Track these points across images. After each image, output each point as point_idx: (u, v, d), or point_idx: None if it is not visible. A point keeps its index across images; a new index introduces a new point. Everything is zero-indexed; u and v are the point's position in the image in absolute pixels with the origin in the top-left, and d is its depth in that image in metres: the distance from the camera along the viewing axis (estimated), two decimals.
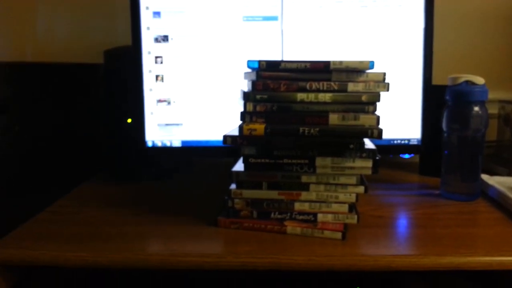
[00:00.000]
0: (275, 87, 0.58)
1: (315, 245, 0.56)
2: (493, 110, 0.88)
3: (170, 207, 0.70)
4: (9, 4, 1.01)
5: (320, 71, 0.58)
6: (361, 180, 0.59)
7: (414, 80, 0.77)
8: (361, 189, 0.59)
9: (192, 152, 0.80)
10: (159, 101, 0.78)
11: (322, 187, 0.59)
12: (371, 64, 0.56)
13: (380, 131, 0.56)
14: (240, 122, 0.59)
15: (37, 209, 0.69)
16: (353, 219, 0.59)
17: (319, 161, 0.58)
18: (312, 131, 0.57)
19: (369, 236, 0.58)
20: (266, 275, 0.57)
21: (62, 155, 0.82)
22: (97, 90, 0.92)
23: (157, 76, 0.78)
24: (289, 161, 0.59)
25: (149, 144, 0.80)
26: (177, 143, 0.79)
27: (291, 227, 0.59)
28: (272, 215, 0.61)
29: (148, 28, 0.77)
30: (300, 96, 0.58)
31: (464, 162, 0.71)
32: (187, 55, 0.77)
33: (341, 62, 0.57)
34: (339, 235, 0.57)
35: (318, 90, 0.58)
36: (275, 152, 0.59)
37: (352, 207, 0.59)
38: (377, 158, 0.57)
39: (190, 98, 0.78)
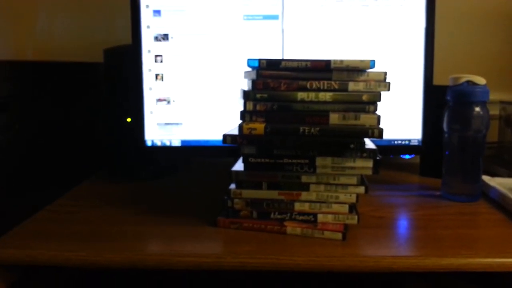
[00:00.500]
0: (276, 86, 0.58)
1: (315, 245, 0.56)
2: (494, 111, 0.88)
3: (170, 207, 0.70)
4: (10, 3, 1.01)
5: (320, 70, 0.57)
6: (362, 180, 0.58)
7: (414, 80, 0.77)
8: (361, 189, 0.58)
9: (192, 152, 0.80)
10: (159, 100, 0.78)
11: (322, 187, 0.59)
12: (372, 63, 0.56)
13: (380, 131, 0.56)
14: (240, 121, 0.59)
15: (37, 208, 0.68)
16: (353, 220, 0.59)
17: (319, 161, 0.58)
18: (312, 130, 0.57)
19: (369, 237, 0.58)
20: (266, 276, 0.57)
21: (62, 154, 0.81)
22: (97, 89, 0.92)
23: (156, 75, 0.78)
24: (289, 161, 0.59)
25: (149, 143, 0.79)
26: (176, 143, 0.79)
27: (291, 228, 0.59)
28: (272, 215, 0.60)
29: (148, 27, 0.77)
30: (301, 95, 0.57)
31: (465, 163, 0.71)
32: (187, 54, 0.77)
33: (341, 61, 0.56)
34: (339, 235, 0.57)
35: (319, 89, 0.57)
36: (275, 151, 0.58)
37: (352, 208, 0.59)
38: (378, 158, 0.57)
39: (190, 98, 0.78)
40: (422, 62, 0.76)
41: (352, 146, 0.56)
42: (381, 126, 0.56)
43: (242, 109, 0.59)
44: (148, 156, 0.82)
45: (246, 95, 0.58)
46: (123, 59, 0.82)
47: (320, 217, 0.59)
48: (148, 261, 0.53)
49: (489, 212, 0.67)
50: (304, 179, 0.59)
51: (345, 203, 0.59)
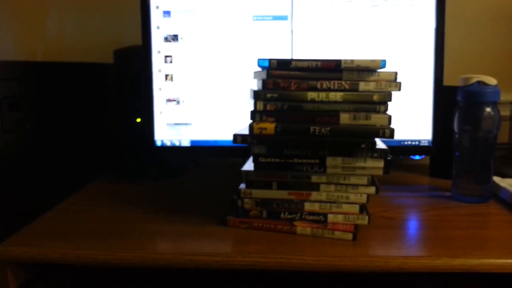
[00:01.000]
0: (286, 86, 0.58)
1: (325, 245, 0.55)
2: (505, 112, 0.87)
3: (180, 206, 0.70)
4: (20, 4, 1.02)
5: (331, 70, 0.57)
6: (372, 181, 0.58)
7: (425, 80, 0.77)
8: (372, 189, 0.58)
9: (201, 152, 0.80)
10: (169, 100, 0.78)
11: (332, 187, 0.59)
12: (383, 63, 0.56)
13: (392, 131, 0.56)
14: (250, 121, 0.59)
15: (47, 207, 0.69)
16: (364, 220, 0.58)
17: (329, 161, 0.58)
18: (322, 130, 0.57)
19: (380, 237, 0.58)
20: (274, 277, 0.57)
21: (72, 154, 0.82)
22: (107, 90, 0.93)
23: (166, 76, 0.78)
24: (299, 160, 0.59)
25: (158, 143, 0.80)
26: (186, 143, 0.79)
27: (301, 228, 0.59)
28: (282, 215, 0.60)
29: (158, 28, 0.77)
30: (311, 95, 0.57)
31: (476, 164, 0.70)
32: (197, 55, 0.77)
33: (352, 61, 0.56)
34: (349, 235, 0.57)
35: (329, 89, 0.57)
36: (285, 151, 0.58)
37: (363, 208, 0.59)
38: (389, 158, 0.57)
39: (199, 98, 0.78)
40: (432, 62, 0.76)
41: (363, 146, 0.56)
42: (391, 126, 0.56)
43: (252, 109, 0.59)
44: (157, 156, 0.83)
45: (257, 95, 0.59)
46: (133, 60, 0.82)
47: (330, 217, 0.59)
48: (158, 259, 0.54)
49: (500, 213, 0.67)
50: (314, 179, 0.59)
51: (355, 203, 0.59)
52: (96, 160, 0.91)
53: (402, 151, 0.79)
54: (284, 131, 0.57)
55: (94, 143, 0.91)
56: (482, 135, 0.69)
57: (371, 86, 0.57)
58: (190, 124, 0.79)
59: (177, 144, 0.80)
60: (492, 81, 0.68)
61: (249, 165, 0.61)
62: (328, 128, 0.57)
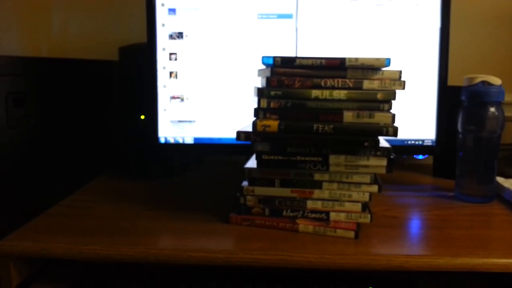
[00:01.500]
0: (290, 84, 0.58)
1: (327, 243, 0.55)
2: (509, 112, 0.87)
3: (182, 203, 0.70)
4: (25, 2, 1.03)
5: (335, 68, 0.57)
6: (375, 179, 0.58)
7: (429, 80, 0.76)
8: (375, 188, 0.58)
9: (204, 149, 0.80)
10: (173, 97, 0.79)
11: (335, 185, 0.59)
12: (387, 62, 0.56)
13: (395, 129, 0.56)
14: (254, 118, 0.59)
15: (51, 203, 0.69)
16: (366, 219, 0.58)
17: (332, 159, 0.58)
18: (326, 128, 0.57)
19: (382, 235, 0.58)
20: (276, 274, 0.57)
21: (76, 150, 0.82)
22: (111, 87, 0.93)
23: (171, 73, 0.78)
24: (302, 158, 0.59)
25: (162, 140, 0.80)
26: (189, 140, 0.80)
27: (303, 225, 0.59)
28: (284, 212, 0.60)
29: (163, 25, 0.77)
30: (315, 93, 0.57)
31: (479, 164, 0.70)
32: (202, 52, 0.77)
33: (356, 59, 0.56)
34: (352, 234, 0.57)
35: (333, 87, 0.57)
36: (288, 149, 0.59)
37: (365, 206, 0.59)
38: (392, 157, 0.57)
39: (203, 95, 0.78)
40: (436, 62, 0.76)
41: (366, 144, 0.56)
42: (395, 124, 0.56)
43: (256, 106, 0.59)
44: (161, 153, 0.83)
45: (260, 92, 0.59)
46: (137, 57, 0.82)
47: (332, 215, 0.59)
48: (160, 255, 0.54)
49: (503, 213, 0.66)
50: (317, 177, 0.59)
51: (358, 201, 0.59)
52: (99, 157, 0.91)
53: (406, 151, 0.79)
54: (287, 129, 0.58)
55: (98, 140, 0.91)
56: (486, 135, 0.69)
57: (375, 84, 0.57)
58: (194, 121, 0.79)
59: (180, 141, 0.80)
60: (496, 81, 0.68)
61: (252, 163, 0.61)
62: (332, 126, 0.57)
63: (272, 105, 0.58)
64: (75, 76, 0.82)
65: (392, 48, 0.76)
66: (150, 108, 0.79)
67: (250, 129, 0.59)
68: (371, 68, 0.57)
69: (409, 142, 0.78)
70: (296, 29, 0.76)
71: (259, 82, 0.62)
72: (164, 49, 0.78)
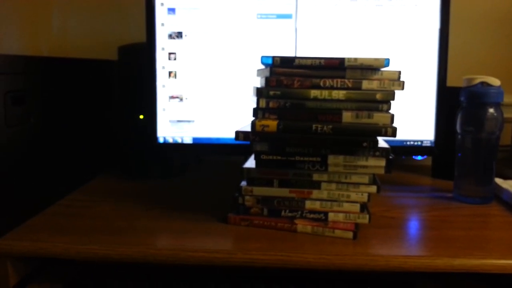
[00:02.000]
0: (289, 84, 0.58)
1: (325, 243, 0.55)
2: (508, 114, 0.87)
3: (181, 203, 0.70)
4: (25, 1, 1.03)
5: (334, 68, 0.57)
6: (374, 180, 0.58)
7: (428, 81, 0.76)
8: (373, 188, 0.58)
9: (203, 149, 0.80)
10: (172, 97, 0.79)
11: (333, 185, 0.59)
12: (386, 62, 0.56)
13: (394, 130, 0.56)
14: (253, 118, 0.59)
15: (49, 202, 0.69)
16: (364, 219, 0.58)
17: (331, 159, 0.58)
18: (325, 128, 0.57)
19: (381, 236, 0.58)
20: (274, 274, 0.57)
21: (75, 149, 0.82)
22: (111, 86, 0.93)
23: (170, 73, 0.78)
24: (301, 158, 0.59)
25: (161, 140, 0.80)
26: (188, 140, 0.80)
27: (302, 226, 0.59)
28: (283, 213, 0.60)
29: (162, 25, 0.77)
30: (314, 93, 0.57)
31: (478, 165, 0.70)
32: (201, 52, 0.77)
33: (355, 59, 0.56)
34: (350, 234, 0.57)
35: (332, 87, 0.57)
36: (287, 149, 0.58)
37: (363, 207, 0.59)
38: (391, 157, 0.57)
39: (203, 95, 0.78)
40: (436, 63, 0.76)
41: (365, 144, 0.56)
42: (394, 125, 0.56)
43: (255, 106, 0.59)
44: (160, 153, 0.83)
45: (259, 92, 0.59)
46: (137, 57, 0.82)
47: (331, 215, 0.59)
48: (158, 255, 0.54)
49: (501, 214, 0.66)
50: (316, 177, 0.59)
51: (356, 202, 0.59)
52: (99, 156, 0.91)
53: (405, 151, 0.79)
54: (286, 129, 0.58)
55: (97, 139, 0.91)
56: (484, 136, 0.69)
57: (374, 84, 0.57)
58: (193, 121, 0.79)
59: (179, 141, 0.80)
60: (495, 82, 0.68)
61: (250, 163, 0.61)
62: (331, 126, 0.57)
63: (271, 105, 0.58)
64: (74, 75, 0.82)
65: (391, 49, 0.76)
66: (149, 107, 0.79)
67: (249, 129, 0.59)
68: (370, 68, 0.57)
69: (408, 142, 0.78)
70: (296, 29, 0.76)
71: (258, 82, 0.62)
72: (163, 48, 0.78)
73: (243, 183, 0.61)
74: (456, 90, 0.71)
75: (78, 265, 0.61)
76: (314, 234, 0.58)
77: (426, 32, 0.76)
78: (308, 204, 0.60)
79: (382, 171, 0.58)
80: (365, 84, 0.57)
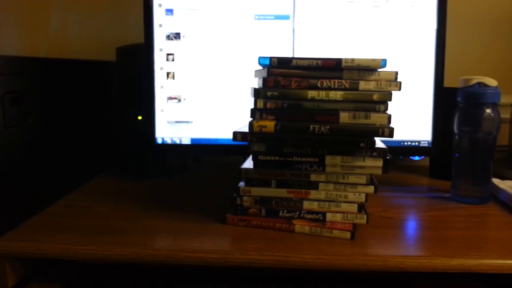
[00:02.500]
0: (286, 84, 0.58)
1: (323, 244, 0.56)
2: (505, 114, 0.87)
3: (179, 204, 0.70)
4: (23, 2, 1.03)
5: (331, 68, 0.58)
6: (371, 180, 0.58)
7: (425, 81, 0.77)
8: (371, 189, 0.58)
9: (201, 150, 0.80)
10: (170, 98, 0.79)
11: (331, 186, 0.59)
12: (383, 63, 0.56)
13: (391, 130, 0.56)
14: (251, 119, 0.59)
15: (48, 202, 0.69)
16: (362, 219, 0.59)
17: (328, 159, 0.58)
18: (322, 129, 0.57)
19: (378, 236, 0.58)
20: (272, 275, 0.57)
21: (73, 150, 0.82)
22: (109, 87, 0.93)
23: (168, 74, 0.78)
24: (299, 159, 0.59)
25: (159, 141, 0.80)
26: (186, 141, 0.80)
27: (300, 226, 0.59)
28: (281, 213, 0.60)
29: (160, 26, 0.77)
30: (311, 93, 0.58)
31: (475, 165, 0.70)
32: (199, 53, 0.78)
33: (353, 60, 0.56)
34: (348, 234, 0.57)
35: (329, 88, 0.57)
36: (285, 149, 0.59)
37: (361, 207, 0.59)
38: (388, 157, 0.57)
39: (201, 96, 0.78)
40: (433, 63, 0.76)
41: (362, 145, 0.56)
42: (391, 125, 0.56)
43: (252, 106, 0.59)
44: (158, 153, 0.83)
45: (257, 93, 0.59)
46: (135, 58, 0.83)
47: (328, 216, 0.59)
48: (156, 255, 0.54)
49: (499, 214, 0.67)
50: (313, 177, 0.59)
51: (354, 202, 0.59)
52: (97, 157, 0.91)
53: (402, 152, 0.79)
54: (284, 129, 0.58)
55: (96, 140, 0.91)
56: (481, 137, 0.69)
57: (371, 85, 0.57)
58: (191, 122, 0.79)
59: (177, 142, 0.80)
60: (492, 82, 0.68)
61: (248, 163, 0.61)
62: (328, 127, 0.57)
63: (268, 105, 0.59)
64: (73, 76, 0.82)
65: (388, 49, 0.76)
66: (147, 108, 0.79)
67: (246, 129, 0.59)
68: (367, 69, 0.57)
69: (405, 143, 0.78)
70: (293, 30, 0.76)
71: (256, 83, 0.62)
72: (161, 49, 0.78)
73: (241, 184, 0.61)
74: (453, 91, 0.72)
75: (76, 266, 0.61)
76: (312, 235, 0.58)
77: (423, 33, 0.76)
78: (306, 205, 0.60)
79: (379, 172, 0.58)
80: (362, 85, 0.57)
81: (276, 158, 0.59)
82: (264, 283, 0.56)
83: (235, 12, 0.77)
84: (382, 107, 0.57)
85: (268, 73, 0.59)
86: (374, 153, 0.57)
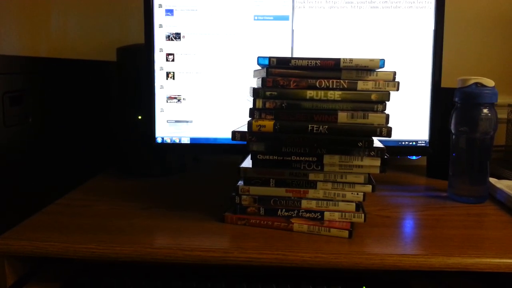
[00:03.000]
0: (285, 84, 0.59)
1: (321, 242, 0.56)
2: (502, 114, 0.88)
3: (178, 203, 0.71)
4: (24, 3, 1.03)
5: (330, 68, 0.58)
6: (369, 179, 0.59)
7: (423, 81, 0.77)
8: (368, 188, 0.59)
9: (201, 149, 0.81)
10: (170, 98, 0.79)
11: (329, 185, 0.59)
12: (381, 63, 0.57)
13: (389, 130, 0.56)
14: (249, 118, 0.60)
15: (47, 201, 0.70)
16: (360, 218, 0.59)
17: (327, 159, 0.58)
18: (321, 128, 0.57)
19: (376, 235, 0.58)
20: (270, 273, 0.57)
21: (73, 149, 0.82)
22: (109, 87, 0.94)
23: (168, 74, 0.79)
24: (297, 158, 0.59)
25: (159, 140, 0.80)
26: (186, 140, 0.80)
27: (298, 225, 0.59)
28: (279, 212, 0.61)
29: (160, 26, 0.78)
30: (310, 93, 0.58)
31: (472, 164, 0.71)
32: (198, 53, 0.78)
33: (351, 60, 0.57)
34: (346, 233, 0.57)
35: (328, 88, 0.58)
36: (283, 149, 0.59)
37: (359, 206, 0.60)
38: (386, 157, 0.57)
39: (200, 96, 0.79)
40: (430, 64, 0.77)
41: (360, 144, 0.57)
42: (389, 125, 0.57)
43: (251, 106, 0.60)
44: (158, 153, 0.83)
45: (256, 92, 0.59)
46: (135, 58, 0.83)
47: (326, 214, 0.60)
48: (156, 254, 0.54)
49: (496, 213, 0.67)
50: (312, 176, 0.59)
51: (352, 201, 0.59)
52: (97, 156, 0.92)
53: (399, 151, 0.79)
54: (282, 129, 0.58)
55: (96, 139, 0.91)
56: (479, 136, 0.69)
57: (369, 85, 0.58)
58: (191, 121, 0.79)
59: (177, 141, 0.80)
60: (489, 82, 0.68)
61: (247, 162, 0.62)
62: (326, 127, 0.57)
63: (267, 105, 0.59)
64: (73, 76, 0.83)
65: (386, 50, 0.77)
66: (147, 108, 0.79)
67: (245, 129, 0.59)
68: (365, 69, 0.58)
69: (402, 143, 0.79)
70: (292, 30, 0.77)
71: (255, 83, 0.63)
72: (161, 50, 0.78)
73: (240, 183, 0.62)
74: (451, 91, 0.72)
75: (76, 264, 0.61)
76: (310, 233, 0.59)
77: (421, 33, 0.76)
78: (304, 204, 0.60)
79: (377, 171, 0.58)
80: (360, 85, 0.58)
81: (275, 157, 0.60)
82: (263, 281, 0.56)
83: (235, 12, 0.77)
84: (380, 107, 0.58)
85: (267, 73, 0.59)
86: (372, 153, 0.58)
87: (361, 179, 0.59)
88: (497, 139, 0.81)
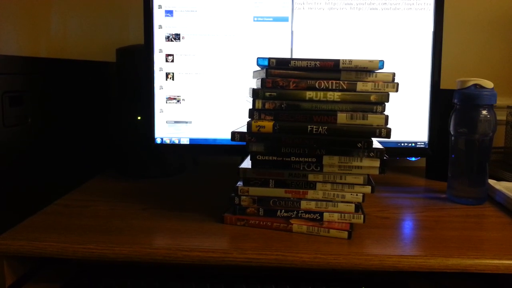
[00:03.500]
0: (284, 85, 0.59)
1: (320, 243, 0.56)
2: (501, 116, 0.88)
3: (178, 203, 0.71)
4: (23, 3, 1.03)
5: (329, 69, 0.58)
6: (368, 180, 0.59)
7: (422, 83, 0.77)
8: (368, 189, 0.59)
9: (200, 150, 0.80)
10: (169, 98, 0.79)
11: (329, 186, 0.59)
12: (380, 64, 0.57)
13: (388, 131, 0.56)
14: (249, 119, 0.60)
15: (46, 202, 0.70)
16: (359, 219, 0.59)
17: (326, 159, 0.59)
18: (320, 129, 0.57)
19: (375, 236, 0.58)
20: (270, 274, 0.57)
21: (73, 150, 0.83)
22: (109, 88, 0.94)
23: (167, 74, 0.79)
24: (297, 159, 0.59)
25: (158, 141, 0.80)
26: (185, 141, 0.80)
27: (297, 225, 0.59)
28: (279, 213, 0.61)
29: (160, 27, 0.78)
30: (309, 94, 0.58)
31: (471, 166, 0.71)
32: (198, 54, 0.78)
33: (350, 61, 0.57)
34: (345, 234, 0.58)
35: (327, 89, 0.58)
36: (282, 149, 0.59)
37: (358, 207, 0.60)
38: (385, 158, 0.58)
39: (200, 97, 0.79)
40: (429, 65, 0.77)
41: (359, 145, 0.57)
42: (388, 126, 0.57)
43: (251, 107, 0.60)
44: (157, 153, 0.83)
45: (255, 93, 0.59)
46: (135, 59, 0.83)
47: (326, 215, 0.60)
48: (155, 254, 0.54)
49: (495, 215, 0.67)
50: (311, 177, 0.59)
51: (351, 202, 0.59)
52: (97, 157, 0.92)
53: (399, 153, 0.79)
54: (282, 130, 0.58)
55: (96, 140, 0.91)
56: (478, 138, 0.70)
57: (368, 86, 0.58)
58: (190, 122, 0.80)
59: (176, 142, 0.80)
60: (488, 84, 0.69)
61: (247, 163, 0.62)
62: (326, 127, 0.57)
63: (267, 106, 0.59)
64: (72, 76, 0.83)
65: (386, 51, 0.77)
66: (146, 109, 0.79)
67: (245, 129, 0.59)
68: (365, 70, 0.58)
69: (402, 144, 0.79)
70: (292, 32, 0.77)
71: (254, 83, 0.63)
72: (161, 50, 0.78)
73: (239, 183, 0.62)
74: (450, 93, 0.72)
75: (75, 265, 0.61)
76: (309, 234, 0.59)
77: (420, 35, 0.77)
78: (304, 204, 0.60)
79: (376, 172, 0.58)
80: (360, 86, 0.58)
81: (274, 158, 0.60)
82: (262, 282, 0.56)
83: (234, 13, 0.77)
84: (379, 108, 0.58)
85: (267, 74, 0.59)
86: (371, 154, 0.58)
87: (360, 180, 0.59)
88: (496, 140, 0.81)
